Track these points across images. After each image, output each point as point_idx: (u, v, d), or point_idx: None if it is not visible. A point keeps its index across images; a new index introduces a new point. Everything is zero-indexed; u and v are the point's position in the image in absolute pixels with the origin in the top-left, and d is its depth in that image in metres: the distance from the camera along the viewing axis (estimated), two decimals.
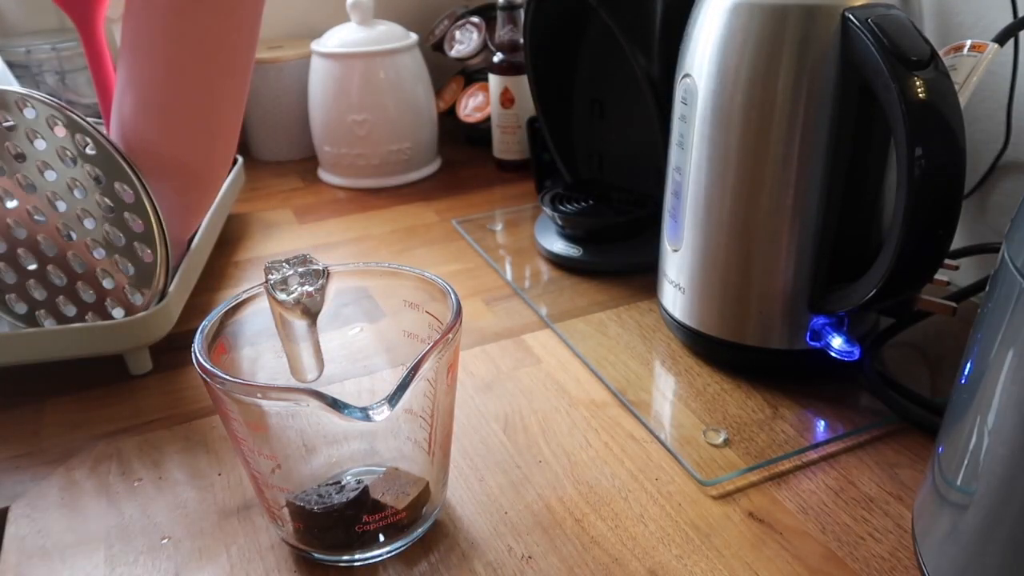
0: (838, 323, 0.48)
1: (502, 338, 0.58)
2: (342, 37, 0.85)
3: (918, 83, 0.38)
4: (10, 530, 0.42)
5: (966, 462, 0.33)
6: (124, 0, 0.50)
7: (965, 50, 0.45)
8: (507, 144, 0.90)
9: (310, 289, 0.38)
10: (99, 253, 0.53)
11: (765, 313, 0.49)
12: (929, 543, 0.36)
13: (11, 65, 0.78)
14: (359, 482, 0.38)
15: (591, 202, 0.71)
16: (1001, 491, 0.30)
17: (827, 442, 0.46)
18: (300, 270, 0.39)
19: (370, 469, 0.42)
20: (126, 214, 0.51)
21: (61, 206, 0.52)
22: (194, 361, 0.35)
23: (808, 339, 0.49)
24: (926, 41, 0.39)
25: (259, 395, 0.34)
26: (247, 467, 0.38)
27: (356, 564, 0.39)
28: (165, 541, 0.40)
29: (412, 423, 0.39)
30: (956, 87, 0.40)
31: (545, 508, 0.42)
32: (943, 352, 0.55)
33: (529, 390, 0.52)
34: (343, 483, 0.39)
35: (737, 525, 0.40)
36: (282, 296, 0.38)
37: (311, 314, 0.39)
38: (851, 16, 0.40)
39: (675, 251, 0.52)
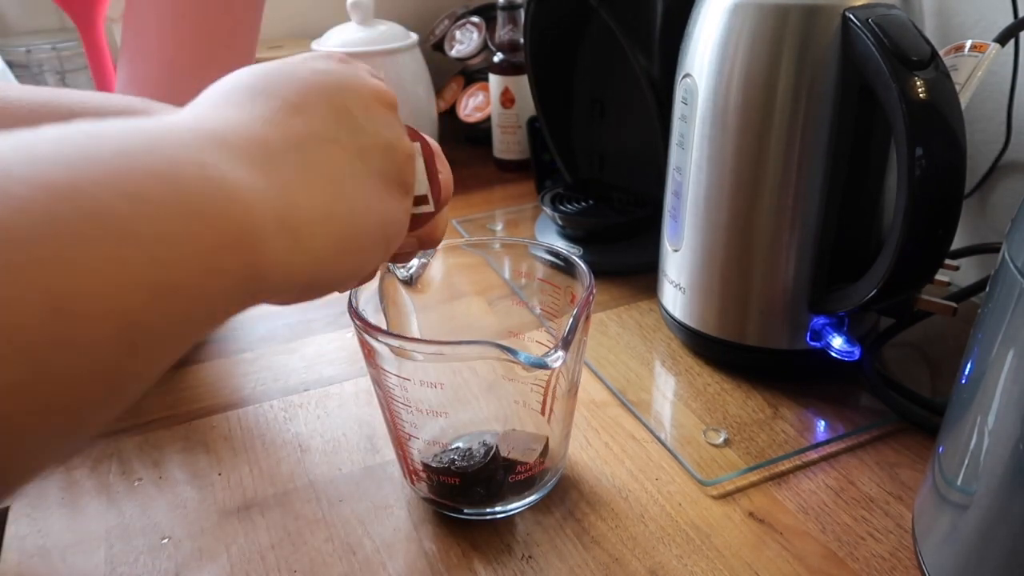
0: (838, 323, 0.48)
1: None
2: (342, 37, 0.85)
3: (918, 83, 0.38)
4: (10, 530, 0.41)
5: (966, 462, 0.33)
6: (124, 0, 0.50)
7: (966, 50, 0.45)
8: (507, 144, 0.90)
9: (423, 262, 0.42)
10: None
11: (765, 313, 0.49)
12: (929, 543, 0.36)
13: (11, 65, 0.78)
14: (484, 443, 0.41)
15: (591, 202, 0.71)
16: (1001, 491, 0.30)
17: (827, 442, 0.46)
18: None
19: (488, 431, 0.43)
20: None
21: None
22: (357, 322, 0.37)
23: (808, 339, 0.49)
24: (927, 41, 0.39)
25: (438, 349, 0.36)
26: (394, 430, 0.40)
27: (498, 517, 0.41)
28: (165, 541, 0.40)
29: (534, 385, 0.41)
30: (957, 87, 0.40)
31: (545, 507, 0.42)
32: (943, 352, 0.55)
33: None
34: (470, 446, 0.41)
35: (737, 525, 0.40)
36: (401, 272, 0.41)
37: (422, 288, 0.42)
38: (851, 16, 0.40)
39: (675, 251, 0.52)
